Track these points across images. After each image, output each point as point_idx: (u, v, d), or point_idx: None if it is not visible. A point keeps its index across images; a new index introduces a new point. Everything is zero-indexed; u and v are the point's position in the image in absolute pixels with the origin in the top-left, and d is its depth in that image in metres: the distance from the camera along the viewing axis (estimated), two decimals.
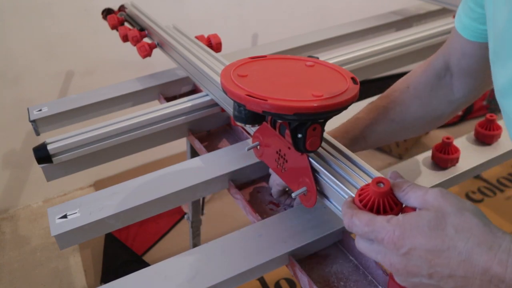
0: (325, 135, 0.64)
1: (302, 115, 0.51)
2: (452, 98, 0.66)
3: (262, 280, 1.43)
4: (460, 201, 0.39)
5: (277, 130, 0.60)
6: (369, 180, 0.55)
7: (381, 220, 0.39)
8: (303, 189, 0.59)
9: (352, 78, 0.57)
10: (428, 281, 0.37)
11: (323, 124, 0.56)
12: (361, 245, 0.42)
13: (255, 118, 0.57)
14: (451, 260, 0.35)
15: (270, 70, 0.60)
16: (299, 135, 0.55)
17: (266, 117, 0.62)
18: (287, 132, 0.57)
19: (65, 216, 0.61)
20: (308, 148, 0.56)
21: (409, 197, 0.41)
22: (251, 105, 0.52)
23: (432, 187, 0.66)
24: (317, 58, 0.64)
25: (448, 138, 0.69)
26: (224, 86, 0.55)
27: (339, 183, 0.55)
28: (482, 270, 0.34)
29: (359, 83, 0.57)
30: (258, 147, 0.67)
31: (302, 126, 0.54)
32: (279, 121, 0.59)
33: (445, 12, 1.29)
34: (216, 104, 0.82)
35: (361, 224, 0.40)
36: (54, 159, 0.73)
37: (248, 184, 0.72)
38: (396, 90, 0.68)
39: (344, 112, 0.55)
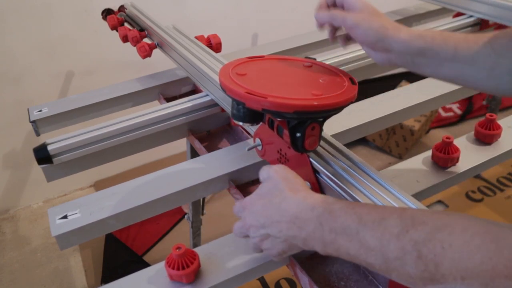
0: (324, 134, 0.64)
1: (302, 113, 0.50)
2: None
3: (262, 280, 1.43)
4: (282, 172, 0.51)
5: (275, 131, 0.60)
6: (369, 181, 0.55)
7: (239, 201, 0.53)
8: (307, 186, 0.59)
9: (351, 79, 0.58)
10: (264, 230, 0.48)
11: (321, 124, 0.56)
12: (235, 227, 0.52)
13: (253, 116, 0.57)
14: (270, 211, 0.47)
15: (268, 69, 0.60)
16: (298, 134, 0.55)
17: (264, 117, 0.61)
18: (285, 132, 0.57)
19: (65, 217, 0.61)
20: (307, 148, 0.56)
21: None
22: (250, 103, 0.52)
23: (432, 186, 0.66)
24: (315, 59, 0.64)
25: (448, 138, 0.69)
26: (223, 84, 0.55)
27: (340, 183, 0.55)
28: (286, 214, 0.46)
29: (357, 84, 0.57)
30: (259, 147, 0.67)
31: (301, 125, 0.54)
32: (278, 120, 0.59)
33: (445, 12, 1.29)
34: (216, 104, 0.82)
35: (235, 209, 0.53)
36: (54, 159, 0.73)
37: (248, 184, 0.72)
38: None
39: (342, 112, 0.55)
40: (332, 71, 0.60)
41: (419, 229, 0.37)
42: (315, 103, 0.50)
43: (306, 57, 0.64)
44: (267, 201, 0.48)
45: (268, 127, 0.61)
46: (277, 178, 0.50)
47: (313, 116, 0.52)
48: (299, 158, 0.59)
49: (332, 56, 0.92)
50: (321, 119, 0.55)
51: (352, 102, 0.55)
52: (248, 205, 0.50)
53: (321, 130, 0.56)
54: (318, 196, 0.46)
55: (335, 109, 0.52)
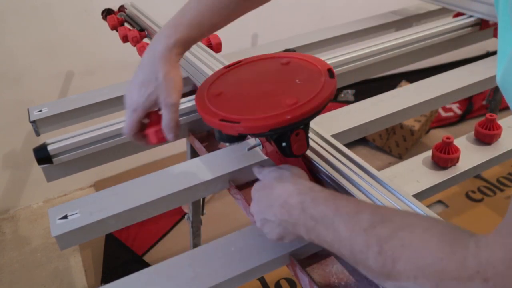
0: (324, 134, 0.64)
1: (277, 129, 0.50)
2: None
3: (262, 280, 1.43)
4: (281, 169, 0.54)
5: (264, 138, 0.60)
6: (370, 181, 0.55)
7: None
8: None
9: (329, 70, 0.56)
10: (263, 215, 0.50)
11: (306, 128, 0.55)
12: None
13: (236, 136, 0.57)
14: (268, 197, 0.50)
15: (244, 79, 0.59)
16: (284, 144, 0.55)
17: None
18: (272, 142, 0.56)
19: (65, 217, 0.61)
20: (296, 153, 0.55)
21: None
22: (226, 130, 0.52)
23: (432, 186, 0.66)
24: (294, 51, 0.63)
25: (448, 138, 0.69)
26: (199, 112, 0.55)
27: (340, 183, 0.55)
28: (279, 198, 0.48)
29: (335, 76, 0.56)
30: (260, 147, 0.67)
31: (284, 136, 0.54)
32: None
33: (445, 12, 1.29)
34: None
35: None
36: (54, 159, 0.73)
37: (248, 184, 0.72)
38: None
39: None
40: (309, 63, 0.59)
41: (385, 226, 0.39)
42: (288, 117, 0.49)
43: (286, 50, 0.63)
44: (268, 190, 0.51)
45: None
46: (284, 169, 0.53)
47: (291, 128, 0.52)
48: (295, 160, 0.59)
49: (332, 56, 0.92)
50: (302, 126, 0.55)
51: (330, 100, 0.54)
52: (254, 193, 0.53)
53: (306, 133, 0.55)
54: (307, 184, 0.48)
55: (312, 115, 0.51)
